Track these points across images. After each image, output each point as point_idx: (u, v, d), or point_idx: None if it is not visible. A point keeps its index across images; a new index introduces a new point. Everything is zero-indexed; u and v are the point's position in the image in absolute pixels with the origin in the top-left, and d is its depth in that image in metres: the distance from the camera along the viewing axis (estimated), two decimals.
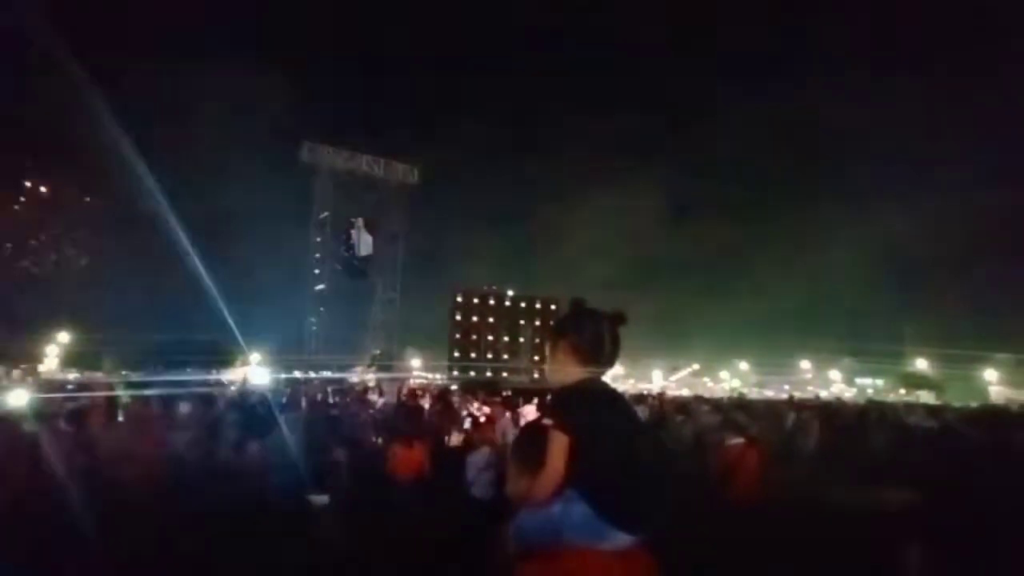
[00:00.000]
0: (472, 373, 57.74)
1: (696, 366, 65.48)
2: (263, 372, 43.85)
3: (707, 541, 4.64)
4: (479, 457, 6.45)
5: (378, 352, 49.49)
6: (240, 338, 47.47)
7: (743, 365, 62.83)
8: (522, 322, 72.67)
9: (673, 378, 63.17)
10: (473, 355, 70.20)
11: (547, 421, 2.18)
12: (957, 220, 73.55)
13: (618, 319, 2.38)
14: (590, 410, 2.16)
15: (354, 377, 40.31)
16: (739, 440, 6.79)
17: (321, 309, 45.98)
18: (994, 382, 48.00)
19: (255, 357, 46.78)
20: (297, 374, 44.24)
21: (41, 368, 36.52)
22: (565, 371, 2.31)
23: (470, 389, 17.88)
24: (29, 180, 41.90)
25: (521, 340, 70.78)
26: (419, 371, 53.12)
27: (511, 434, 7.34)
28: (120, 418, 7.05)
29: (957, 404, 25.30)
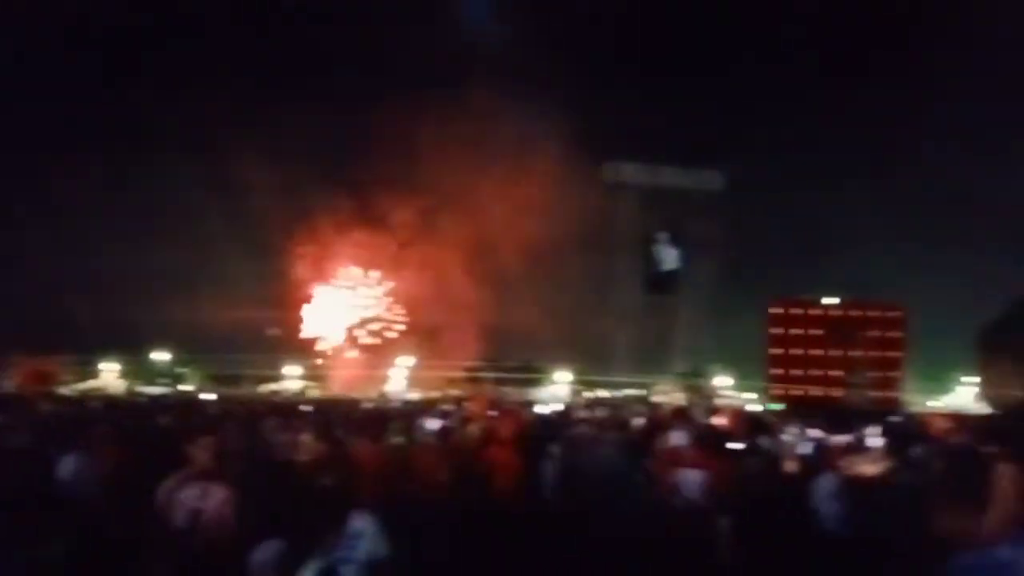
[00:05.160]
0: (795, 392, 53.41)
1: None
2: (566, 390, 46.18)
3: None
4: (827, 483, 5.63)
5: (684, 371, 48.55)
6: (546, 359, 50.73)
7: None
8: (855, 334, 64.34)
9: None
10: (797, 373, 64.57)
11: (989, 450, 1.97)
12: None
13: None
14: None
15: (658, 396, 40.16)
16: None
17: (625, 327, 46.48)
18: None
19: (562, 375, 49.28)
20: (602, 393, 45.54)
21: None
22: (1009, 393, 1.80)
23: (794, 409, 16.36)
24: None
25: (855, 355, 62.47)
26: (729, 391, 50.76)
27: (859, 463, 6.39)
28: None
29: None
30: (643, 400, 31.74)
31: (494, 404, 12.67)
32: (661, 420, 13.81)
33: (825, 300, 69.99)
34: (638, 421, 12.68)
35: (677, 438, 7.29)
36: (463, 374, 45.54)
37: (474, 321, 45.27)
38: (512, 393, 41.27)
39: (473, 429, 7.78)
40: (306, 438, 6.81)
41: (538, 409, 15.85)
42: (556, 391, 45.67)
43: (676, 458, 6.51)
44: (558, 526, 6.00)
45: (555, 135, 40.23)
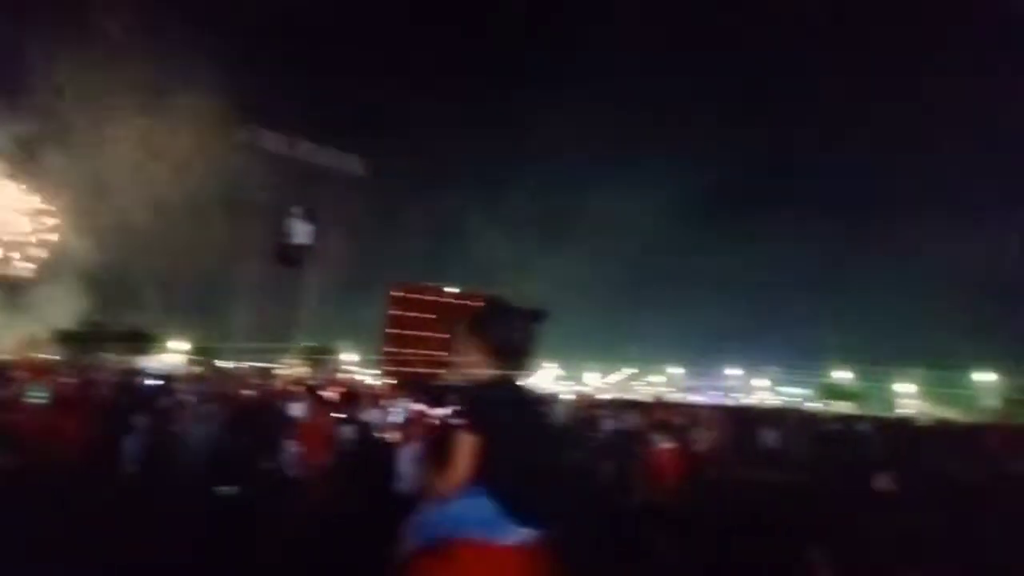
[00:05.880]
0: (406, 369, 57.04)
1: (633, 370, 66.55)
2: (181, 360, 42.15)
3: (614, 538, 4.76)
4: (410, 451, 6.30)
5: (310, 345, 48.33)
6: (163, 325, 45.67)
7: (678, 370, 64.11)
8: (460, 321, 72.19)
9: (608, 380, 63.95)
10: (407, 351, 69.18)
11: (456, 420, 2.18)
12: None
13: (535, 316, 2.33)
14: (498, 410, 2.18)
15: (282, 369, 39.25)
16: (669, 443, 6.87)
17: (251, 298, 44.40)
18: (911, 395, 50.37)
19: (178, 344, 45.09)
20: (220, 363, 42.73)
21: None
22: (477, 369, 2.32)
23: (401, 385, 17.72)
24: None
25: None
26: (354, 366, 52.09)
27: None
28: None
29: (872, 414, 28.07)
30: (264, 372, 30.74)
31: (56, 370, 11.08)
32: (277, 392, 13.72)
33: (448, 288, 76.33)
34: (251, 392, 12.41)
35: (296, 410, 7.53)
36: (51, 335, 38.29)
37: (77, 276, 38.50)
38: (116, 360, 36.16)
39: (25, 398, 6.71)
40: None
41: (139, 379, 14.33)
42: (169, 360, 41.52)
43: (298, 429, 6.72)
44: (137, 501, 5.61)
45: (200, 91, 36.20)
